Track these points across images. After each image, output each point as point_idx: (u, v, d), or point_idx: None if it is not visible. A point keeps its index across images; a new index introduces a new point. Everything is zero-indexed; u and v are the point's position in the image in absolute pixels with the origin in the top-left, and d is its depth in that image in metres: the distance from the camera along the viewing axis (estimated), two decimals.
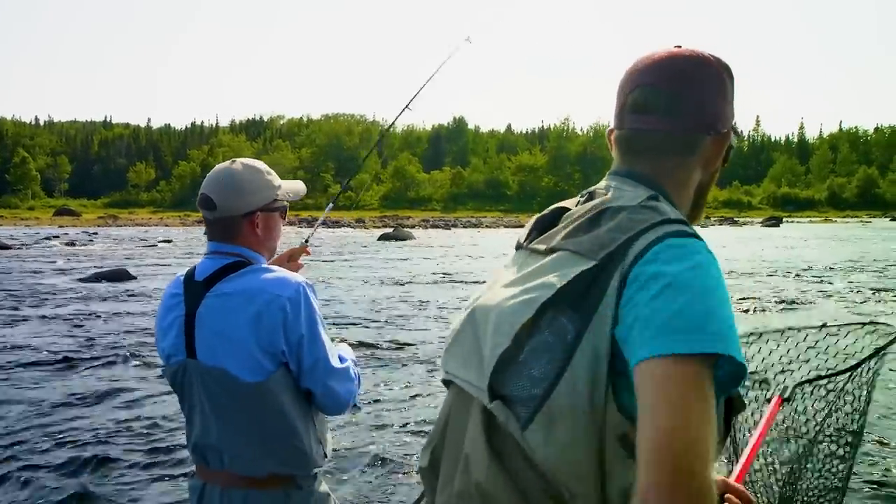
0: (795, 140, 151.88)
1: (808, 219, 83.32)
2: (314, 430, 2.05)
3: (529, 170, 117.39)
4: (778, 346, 2.35)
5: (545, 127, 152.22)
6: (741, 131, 1.32)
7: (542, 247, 1.21)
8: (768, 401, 2.11)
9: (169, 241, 34.56)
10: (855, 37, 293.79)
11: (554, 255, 1.16)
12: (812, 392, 2.23)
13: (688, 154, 1.24)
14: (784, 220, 70.83)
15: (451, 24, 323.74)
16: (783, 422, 2.20)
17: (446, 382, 1.29)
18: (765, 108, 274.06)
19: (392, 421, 6.03)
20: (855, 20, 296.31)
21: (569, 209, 1.28)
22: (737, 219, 74.57)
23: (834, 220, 79.88)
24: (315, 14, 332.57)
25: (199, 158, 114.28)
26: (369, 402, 6.50)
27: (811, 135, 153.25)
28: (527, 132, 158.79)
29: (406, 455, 5.18)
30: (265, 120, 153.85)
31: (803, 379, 2.24)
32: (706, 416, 0.95)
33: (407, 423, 5.94)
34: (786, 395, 2.12)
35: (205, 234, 2.08)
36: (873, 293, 13.91)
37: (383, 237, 36.58)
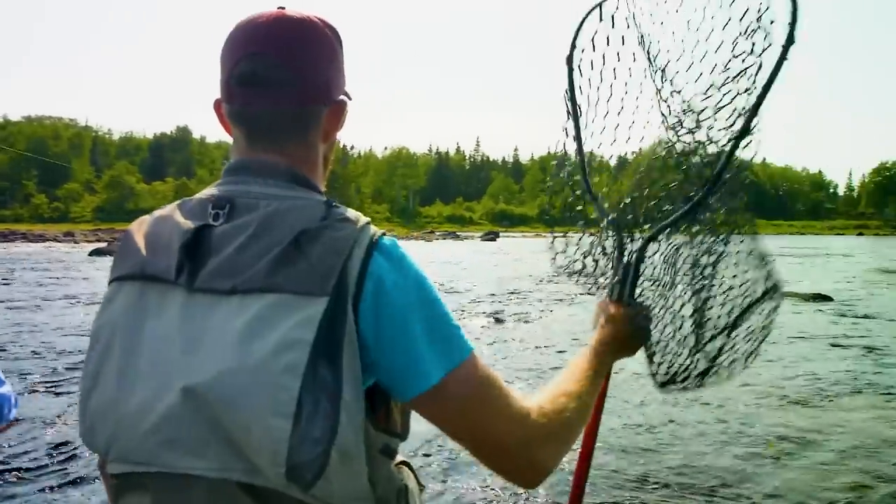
0: (511, 161, 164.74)
1: (522, 233, 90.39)
2: None
3: None
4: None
5: None
6: (352, 96, 1.26)
7: (226, 286, 1.00)
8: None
9: None
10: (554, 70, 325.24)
11: (262, 297, 0.98)
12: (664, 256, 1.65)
13: (310, 128, 1.18)
14: (501, 234, 76.06)
15: (183, 24, 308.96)
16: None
17: (128, 474, 1.04)
18: (484, 130, 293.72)
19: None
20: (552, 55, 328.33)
21: (212, 226, 1.06)
22: (459, 233, 78.82)
23: (543, 234, 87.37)
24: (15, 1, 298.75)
25: None
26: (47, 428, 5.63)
27: (525, 157, 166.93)
28: None
29: None
30: None
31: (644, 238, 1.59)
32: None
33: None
34: (618, 296, 1.54)
35: None
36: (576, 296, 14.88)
37: (96, 252, 33.25)
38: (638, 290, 1.58)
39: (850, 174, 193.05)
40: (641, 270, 1.58)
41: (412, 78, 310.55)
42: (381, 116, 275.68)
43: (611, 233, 1.68)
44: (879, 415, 6.12)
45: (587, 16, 1.69)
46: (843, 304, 13.77)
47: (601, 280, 1.74)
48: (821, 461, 4.87)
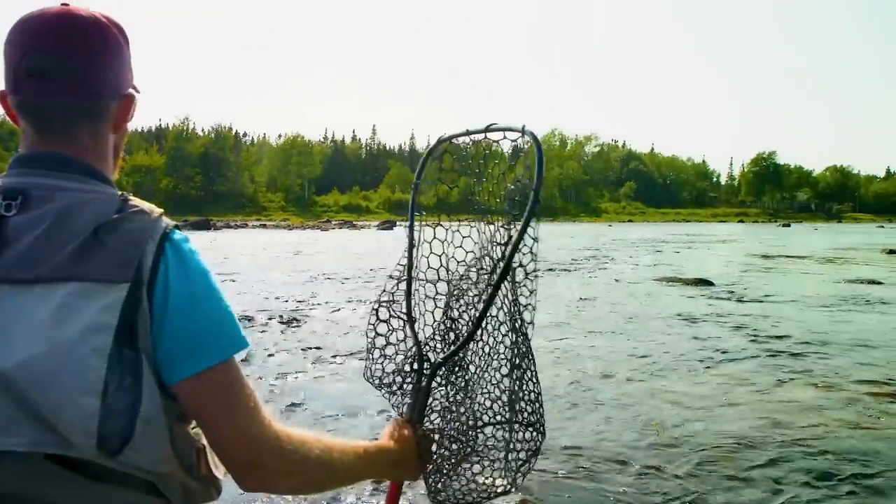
0: (408, 149, 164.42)
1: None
2: None
3: (146, 171, 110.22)
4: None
5: (163, 126, 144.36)
6: (140, 89, 1.32)
7: (28, 275, 1.05)
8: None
9: None
10: (449, 64, 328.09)
11: (66, 285, 1.04)
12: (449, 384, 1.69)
13: (99, 122, 1.23)
14: (398, 223, 75.97)
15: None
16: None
17: None
18: (380, 117, 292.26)
19: None
20: (449, 44, 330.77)
21: (4, 216, 1.09)
22: (356, 222, 78.19)
23: (442, 224, 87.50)
24: None
25: None
26: None
27: (421, 145, 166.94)
28: (142, 130, 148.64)
29: None
30: None
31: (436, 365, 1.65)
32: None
33: None
34: (409, 418, 1.61)
35: None
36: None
37: None
38: (434, 415, 1.66)
39: (731, 164, 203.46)
40: (431, 398, 1.66)
41: (306, 64, 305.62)
42: (275, 103, 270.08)
43: (415, 353, 1.78)
44: (743, 383, 6.50)
45: (428, 155, 1.95)
46: (723, 288, 14.50)
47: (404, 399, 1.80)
48: (694, 431, 5.13)
